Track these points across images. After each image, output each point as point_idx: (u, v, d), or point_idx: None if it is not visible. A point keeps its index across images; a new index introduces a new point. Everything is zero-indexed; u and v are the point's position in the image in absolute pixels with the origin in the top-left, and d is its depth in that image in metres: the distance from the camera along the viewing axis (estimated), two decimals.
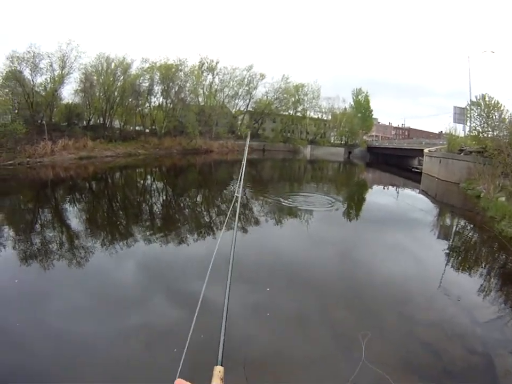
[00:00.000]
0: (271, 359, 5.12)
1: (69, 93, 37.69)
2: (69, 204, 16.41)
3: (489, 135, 25.06)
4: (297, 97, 65.16)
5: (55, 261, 8.42)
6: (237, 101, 60.17)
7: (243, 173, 3.70)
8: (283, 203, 16.48)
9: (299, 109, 67.05)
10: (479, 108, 26.67)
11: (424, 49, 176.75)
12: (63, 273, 7.78)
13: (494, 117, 25.17)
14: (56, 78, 34.48)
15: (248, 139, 4.65)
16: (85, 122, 39.37)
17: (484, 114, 25.89)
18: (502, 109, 24.93)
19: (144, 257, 9.28)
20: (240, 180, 3.68)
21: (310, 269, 8.71)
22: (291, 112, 66.77)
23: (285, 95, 63.13)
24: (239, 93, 58.82)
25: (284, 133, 65.49)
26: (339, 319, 6.35)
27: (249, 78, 57.93)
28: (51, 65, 33.97)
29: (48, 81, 34.27)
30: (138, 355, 5.00)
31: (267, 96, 61.73)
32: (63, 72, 34.77)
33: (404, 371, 4.95)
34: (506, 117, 24.44)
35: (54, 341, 5.19)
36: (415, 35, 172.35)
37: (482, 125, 26.45)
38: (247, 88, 58.66)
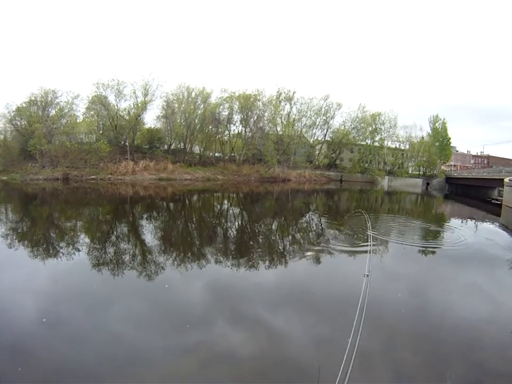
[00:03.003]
0: None
1: (151, 118, 39.96)
2: (145, 219, 16.27)
3: None
4: (374, 127, 62.13)
5: (126, 271, 8.48)
6: (314, 131, 58.58)
7: None
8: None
9: (376, 139, 63.85)
10: None
11: (504, 69, 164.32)
12: (131, 283, 7.80)
13: None
14: (139, 104, 36.06)
15: None
16: (166, 146, 40.48)
17: None
18: None
19: (212, 279, 8.87)
20: None
21: (380, 303, 7.77)
22: (368, 141, 63.82)
23: (362, 125, 60.67)
24: (317, 123, 57.31)
25: (361, 163, 62.60)
26: (405, 361, 5.66)
27: (326, 108, 56.57)
28: (134, 92, 35.82)
29: (132, 106, 36.10)
30: (191, 373, 4.77)
31: (344, 126, 59.91)
32: (146, 99, 36.32)
33: None
34: None
35: (111, 345, 5.16)
36: (494, 54, 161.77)
37: None
38: (324, 117, 57.27)
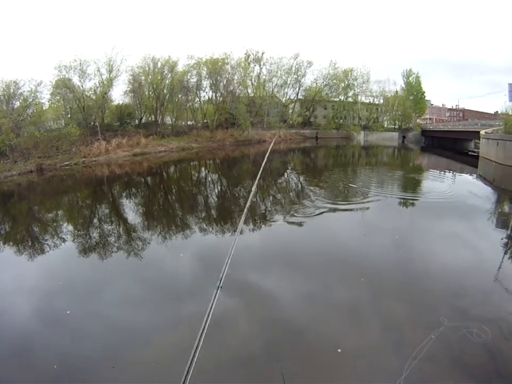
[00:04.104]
0: (324, 347, 5.18)
1: (119, 94, 38.90)
2: (125, 198, 16.64)
3: None
4: (347, 82, 61.80)
5: (113, 253, 8.85)
6: (286, 90, 57.94)
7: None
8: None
9: (350, 94, 63.48)
10: None
11: (477, 22, 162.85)
12: (120, 263, 8.17)
13: None
14: (105, 82, 35.11)
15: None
16: (137, 120, 39.91)
17: None
18: None
19: (200, 247, 9.36)
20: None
21: (365, 256, 8.57)
22: (342, 98, 63.45)
23: (334, 81, 60.28)
24: (288, 82, 56.72)
25: (336, 120, 62.54)
26: (393, 311, 6.22)
27: (296, 66, 55.87)
28: (98, 70, 34.74)
29: (97, 85, 35.06)
30: (189, 344, 4.43)
31: (316, 83, 59.39)
32: (111, 75, 35.37)
33: (457, 371, 4.79)
34: None
35: (107, 328, 5.47)
36: (466, 10, 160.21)
37: None
38: (295, 76, 56.64)
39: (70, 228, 11.74)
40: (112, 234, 10.49)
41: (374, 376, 4.67)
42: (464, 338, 5.34)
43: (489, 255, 8.88)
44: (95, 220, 12.48)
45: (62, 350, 4.96)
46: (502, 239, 10.13)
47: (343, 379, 4.64)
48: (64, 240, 10.00)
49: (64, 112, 32.65)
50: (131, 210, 13.64)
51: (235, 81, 48.57)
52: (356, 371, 4.72)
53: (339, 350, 5.07)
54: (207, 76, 45.72)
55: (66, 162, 24.56)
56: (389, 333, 5.56)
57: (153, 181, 22.13)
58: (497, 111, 49.31)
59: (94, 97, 34.61)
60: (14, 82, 28.31)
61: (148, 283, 6.94)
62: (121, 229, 11.07)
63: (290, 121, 56.15)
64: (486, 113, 79.46)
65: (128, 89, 38.68)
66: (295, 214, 11.98)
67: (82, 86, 33.92)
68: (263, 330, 5.59)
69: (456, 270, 7.72)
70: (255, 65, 53.19)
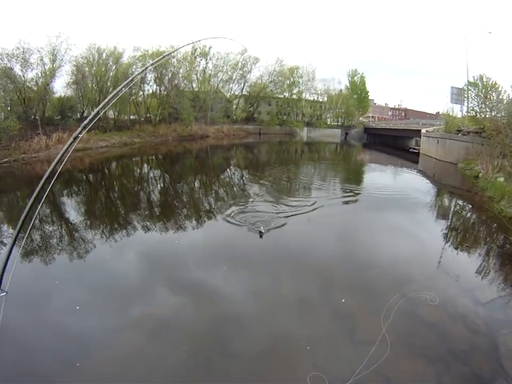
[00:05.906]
0: (276, 342, 5.36)
1: (61, 86, 36.99)
2: (66, 196, 16.46)
3: (487, 116, 25.05)
4: (292, 80, 65.16)
5: (56, 256, 8.64)
6: (231, 85, 60.14)
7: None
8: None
9: (294, 91, 67.11)
10: (476, 88, 26.87)
11: (422, 30, 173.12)
12: (64, 267, 7.96)
13: (491, 98, 25.21)
14: (48, 72, 33.90)
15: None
16: (78, 114, 38.93)
17: (482, 95, 26.04)
18: (499, 89, 24.99)
19: (144, 246, 9.45)
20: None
21: (314, 251, 8.93)
22: (286, 94, 66.81)
23: (280, 78, 63.15)
24: (233, 77, 58.78)
25: (279, 116, 65.77)
26: (345, 302, 6.50)
27: (243, 62, 58.02)
28: (41, 60, 33.42)
29: (40, 75, 33.69)
30: (143, 348, 5.12)
31: (262, 80, 61.97)
32: (54, 65, 34.23)
33: (410, 352, 5.19)
34: (504, 98, 24.48)
35: (58, 339, 5.31)
36: (411, 16, 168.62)
37: (480, 106, 26.63)
38: (241, 72, 58.85)
39: (11, 230, 11.17)
40: (54, 236, 10.43)
41: (335, 365, 4.92)
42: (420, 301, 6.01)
43: (432, 245, 9.76)
44: (36, 221, 11.64)
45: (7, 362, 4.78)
46: (441, 230, 11.26)
47: (302, 371, 4.76)
48: (3, 244, 9.51)
49: (4, 105, 30.95)
50: (73, 210, 13.73)
51: (180, 75, 49.22)
52: (315, 361, 4.91)
53: (298, 343, 5.34)
54: (152, 69, 45.11)
55: (5, 159, 24.06)
56: (347, 319, 5.93)
57: (95, 178, 22.60)
58: (438, 112, 53.45)
59: (35, 88, 33.23)
60: None
61: (94, 286, 6.95)
62: (64, 230, 11.04)
63: (234, 117, 57.47)
64: (427, 113, 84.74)
65: (71, 80, 37.64)
66: (240, 210, 12.36)
67: (24, 76, 32.42)
68: (214, 328, 5.71)
69: (403, 260, 8.39)
70: (201, 60, 54.63)
